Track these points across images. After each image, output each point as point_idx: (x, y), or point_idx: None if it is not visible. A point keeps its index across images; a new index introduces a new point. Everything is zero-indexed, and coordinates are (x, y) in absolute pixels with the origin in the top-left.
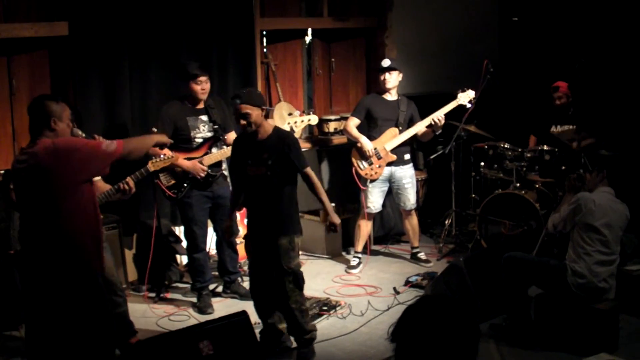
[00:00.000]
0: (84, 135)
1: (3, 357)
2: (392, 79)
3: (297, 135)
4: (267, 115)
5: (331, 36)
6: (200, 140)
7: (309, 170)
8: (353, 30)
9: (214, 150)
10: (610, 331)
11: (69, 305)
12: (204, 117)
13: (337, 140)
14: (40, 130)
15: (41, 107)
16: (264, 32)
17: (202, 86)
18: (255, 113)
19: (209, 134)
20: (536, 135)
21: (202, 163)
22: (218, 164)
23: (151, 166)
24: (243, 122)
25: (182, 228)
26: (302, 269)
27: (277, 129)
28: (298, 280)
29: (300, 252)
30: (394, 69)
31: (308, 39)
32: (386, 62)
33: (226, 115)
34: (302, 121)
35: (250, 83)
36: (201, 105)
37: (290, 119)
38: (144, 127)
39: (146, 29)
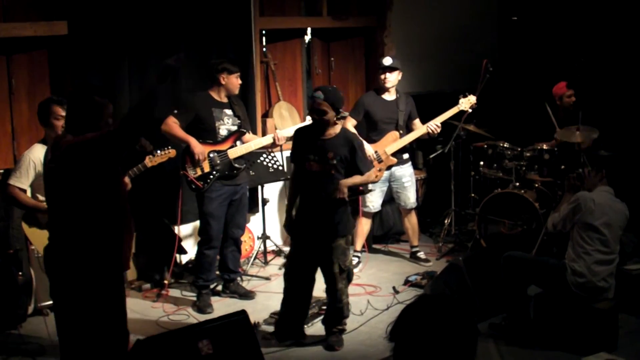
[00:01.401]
0: None
1: (3, 355)
2: (392, 78)
3: None
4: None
5: (330, 35)
6: (224, 133)
7: (369, 176)
8: (352, 29)
9: (238, 143)
10: (609, 330)
11: (92, 300)
12: (229, 111)
13: None
14: (79, 123)
15: (86, 101)
16: (263, 32)
17: (239, 80)
18: (330, 114)
19: (234, 127)
20: (541, 139)
21: (228, 156)
22: (242, 158)
23: (149, 162)
24: (315, 117)
25: (182, 227)
26: None
27: (344, 130)
28: (350, 277)
29: None
30: (395, 69)
31: (307, 38)
32: (387, 61)
33: (246, 115)
34: None
35: (250, 82)
36: (225, 100)
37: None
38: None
39: (146, 28)
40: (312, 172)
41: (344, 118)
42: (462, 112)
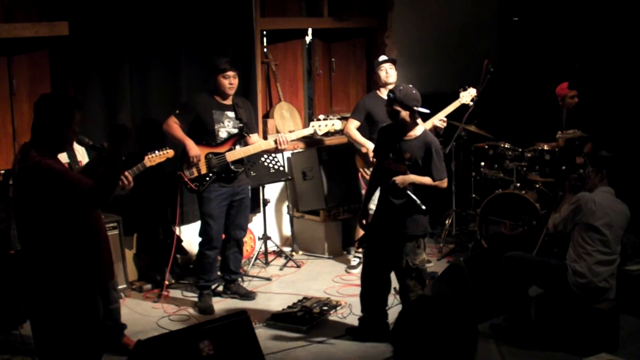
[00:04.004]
0: (91, 142)
1: (5, 355)
2: (393, 72)
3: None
4: (416, 117)
5: (331, 36)
6: (224, 136)
7: (442, 182)
8: (353, 30)
9: (237, 147)
10: (610, 331)
11: (61, 310)
12: (230, 114)
13: (337, 140)
14: (44, 131)
15: (52, 109)
16: (264, 32)
17: (230, 81)
18: (404, 113)
19: (234, 130)
20: (544, 140)
21: (225, 159)
22: (241, 161)
23: (147, 161)
24: (391, 119)
25: (182, 228)
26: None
27: (425, 133)
28: (422, 277)
29: (301, 252)
30: (394, 61)
31: (308, 38)
32: (383, 58)
33: (252, 116)
34: (326, 125)
35: (251, 83)
36: (229, 102)
37: (315, 122)
38: (144, 127)
39: (146, 29)
40: (390, 171)
41: (422, 115)
42: (464, 109)
